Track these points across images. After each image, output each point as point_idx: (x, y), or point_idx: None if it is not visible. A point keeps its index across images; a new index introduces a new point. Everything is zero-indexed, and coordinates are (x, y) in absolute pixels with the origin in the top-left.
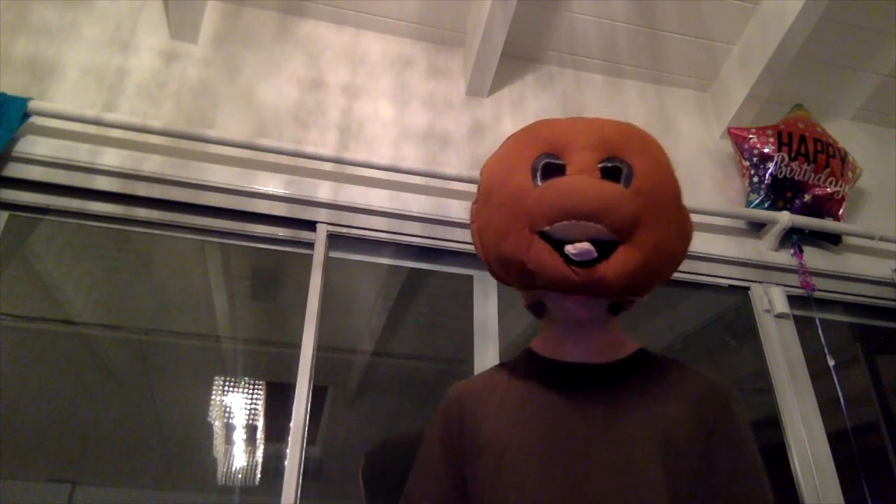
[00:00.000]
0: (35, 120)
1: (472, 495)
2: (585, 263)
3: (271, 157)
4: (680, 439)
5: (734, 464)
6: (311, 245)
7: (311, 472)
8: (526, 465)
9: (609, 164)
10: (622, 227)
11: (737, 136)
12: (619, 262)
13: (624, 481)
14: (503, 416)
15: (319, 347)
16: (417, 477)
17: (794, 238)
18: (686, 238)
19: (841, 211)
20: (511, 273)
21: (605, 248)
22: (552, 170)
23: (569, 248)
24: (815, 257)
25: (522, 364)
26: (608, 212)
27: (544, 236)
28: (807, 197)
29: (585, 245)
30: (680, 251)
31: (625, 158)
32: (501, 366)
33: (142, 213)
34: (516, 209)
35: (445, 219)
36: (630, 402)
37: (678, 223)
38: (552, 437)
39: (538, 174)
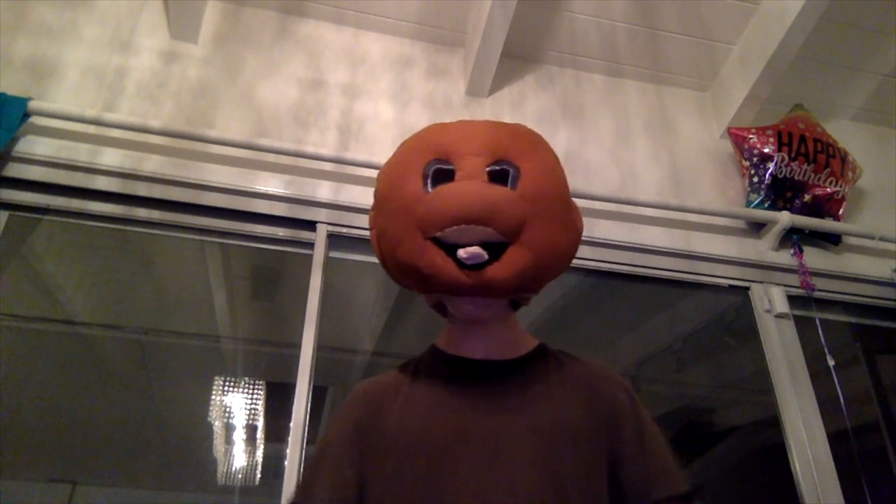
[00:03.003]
0: (35, 120)
1: (372, 496)
2: (476, 266)
3: (271, 157)
4: (585, 429)
5: (647, 446)
6: (311, 245)
7: None
8: (434, 464)
9: (497, 168)
10: (509, 229)
11: (737, 136)
12: (508, 264)
13: (538, 473)
14: (409, 415)
15: (319, 347)
16: (316, 474)
17: (794, 238)
18: (575, 235)
19: (841, 211)
20: (409, 278)
21: (495, 249)
22: (442, 175)
23: (460, 253)
24: (815, 257)
25: (427, 362)
26: (495, 215)
27: (437, 241)
28: (807, 197)
29: (475, 249)
30: (568, 248)
31: (512, 161)
32: (406, 364)
33: (142, 213)
34: (409, 216)
35: None
36: (534, 396)
37: (565, 221)
38: (460, 432)
39: (429, 180)
